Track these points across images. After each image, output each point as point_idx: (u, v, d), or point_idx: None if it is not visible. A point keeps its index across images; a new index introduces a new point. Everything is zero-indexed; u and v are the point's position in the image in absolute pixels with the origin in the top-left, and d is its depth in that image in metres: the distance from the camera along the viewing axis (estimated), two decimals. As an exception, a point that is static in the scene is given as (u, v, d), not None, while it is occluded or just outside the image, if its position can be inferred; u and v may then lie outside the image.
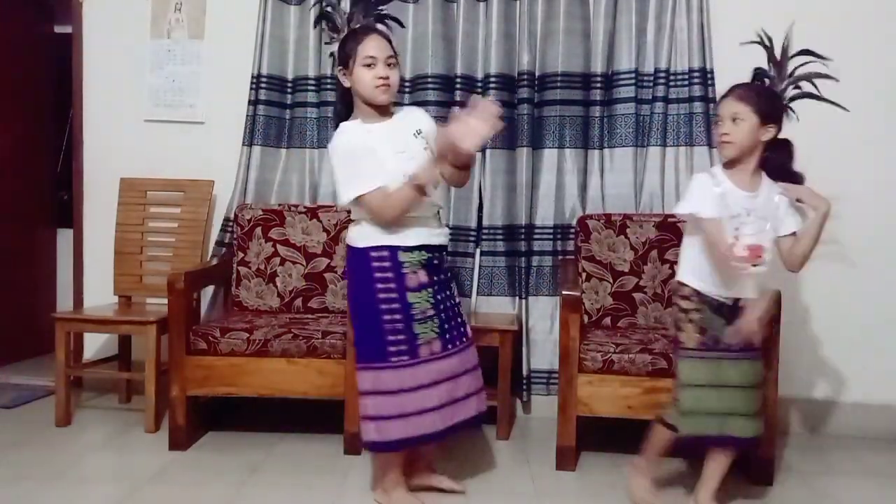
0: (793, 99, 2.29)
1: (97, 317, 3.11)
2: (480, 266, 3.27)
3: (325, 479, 2.51)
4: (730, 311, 2.19)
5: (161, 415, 2.94)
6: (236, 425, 3.02)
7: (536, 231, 3.24)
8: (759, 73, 2.31)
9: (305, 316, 3.07)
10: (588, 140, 3.24)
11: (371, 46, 2.14)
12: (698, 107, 3.12)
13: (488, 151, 3.20)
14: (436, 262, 2.24)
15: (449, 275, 2.32)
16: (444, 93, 3.23)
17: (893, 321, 3.14)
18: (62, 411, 3.00)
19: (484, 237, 3.26)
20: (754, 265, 2.08)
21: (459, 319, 2.29)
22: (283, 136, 3.36)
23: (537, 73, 3.23)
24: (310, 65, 3.31)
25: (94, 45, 3.49)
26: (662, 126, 3.15)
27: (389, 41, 2.20)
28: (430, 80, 3.22)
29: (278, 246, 3.20)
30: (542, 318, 3.23)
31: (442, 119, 3.20)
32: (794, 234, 2.20)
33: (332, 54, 2.40)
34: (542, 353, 3.21)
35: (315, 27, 2.58)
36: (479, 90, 3.25)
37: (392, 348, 2.15)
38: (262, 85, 3.30)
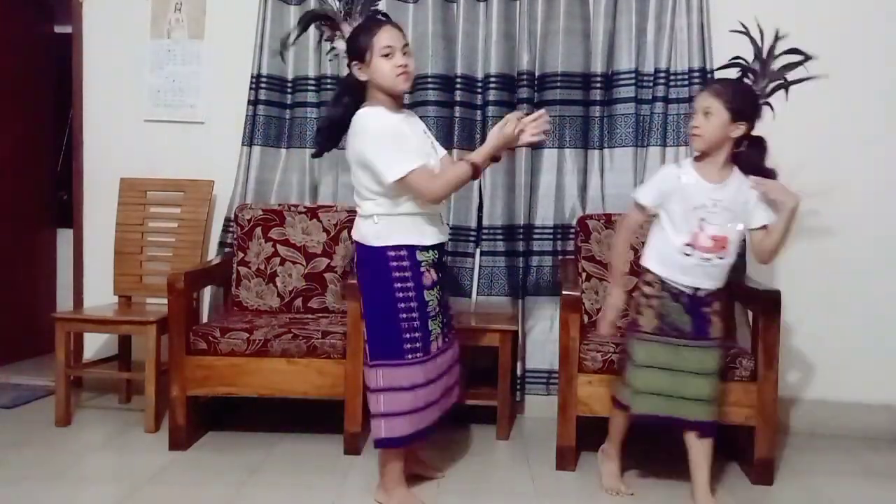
0: (772, 92, 2.35)
1: (97, 317, 3.11)
2: (480, 266, 3.27)
3: (325, 479, 2.51)
4: (689, 300, 2.26)
5: (161, 415, 2.94)
6: (236, 425, 3.02)
7: (536, 231, 3.24)
8: (742, 69, 2.37)
9: (305, 316, 3.07)
10: (588, 140, 3.24)
11: (386, 37, 2.16)
12: (698, 107, 3.12)
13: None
14: (442, 259, 2.30)
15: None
16: (444, 93, 3.23)
17: (893, 321, 3.14)
18: (62, 411, 3.00)
19: (484, 237, 3.26)
20: (720, 257, 2.21)
21: (451, 312, 2.39)
22: (283, 136, 3.36)
23: (537, 73, 3.23)
24: (310, 65, 3.30)
25: (94, 45, 3.49)
26: (662, 126, 3.15)
27: (401, 30, 2.23)
28: (429, 80, 3.22)
29: (278, 246, 3.20)
30: (542, 318, 3.23)
31: (443, 119, 3.24)
32: (765, 227, 2.25)
33: (333, 51, 2.39)
34: (542, 353, 3.20)
35: (305, 27, 2.56)
36: (479, 90, 3.26)
37: (408, 346, 2.19)
38: (262, 85, 3.30)
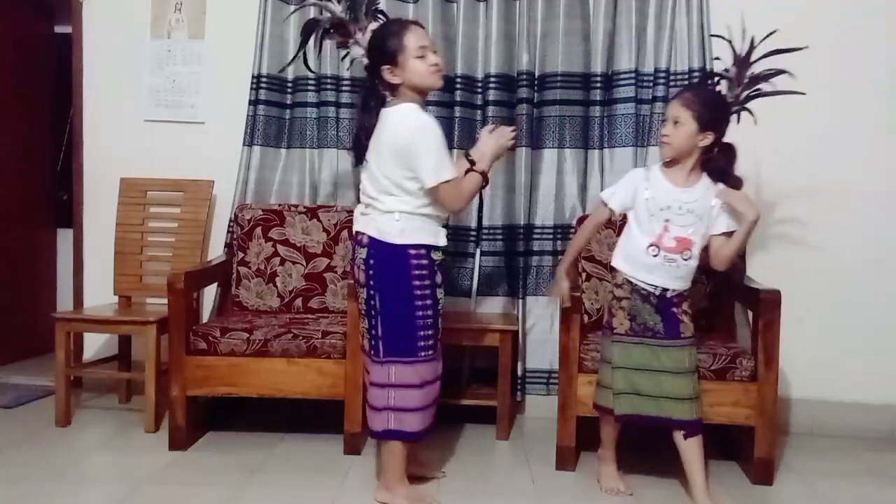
0: (747, 99, 2.46)
1: (97, 317, 3.11)
2: (480, 266, 3.27)
3: (325, 479, 2.51)
4: (657, 300, 2.32)
5: (161, 415, 2.94)
6: (236, 425, 3.02)
7: (536, 231, 3.24)
8: (719, 75, 2.49)
9: (305, 316, 3.07)
10: (588, 140, 3.24)
11: (417, 37, 2.19)
12: (698, 107, 3.12)
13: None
14: (444, 259, 2.33)
15: None
16: (444, 93, 3.22)
17: (893, 321, 3.14)
18: (62, 411, 3.00)
19: (484, 237, 3.26)
20: (684, 258, 2.29)
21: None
22: (283, 136, 3.36)
23: (537, 73, 3.23)
24: (310, 65, 3.30)
25: (94, 45, 3.49)
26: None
27: (423, 28, 2.27)
28: (430, 79, 3.22)
29: (278, 246, 3.20)
30: (542, 318, 3.23)
31: (443, 119, 3.23)
32: (724, 234, 2.33)
33: (348, 56, 2.38)
34: (542, 353, 3.20)
35: (307, 39, 2.56)
36: (479, 90, 3.26)
37: (422, 343, 2.22)
38: (262, 85, 3.30)
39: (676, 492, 2.42)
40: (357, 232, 2.28)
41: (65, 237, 4.06)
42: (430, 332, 2.24)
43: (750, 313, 2.82)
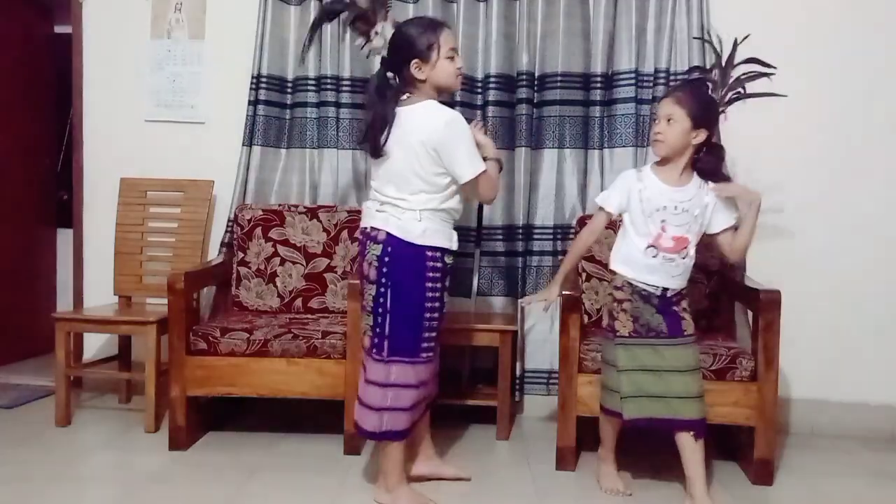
0: (730, 101, 2.50)
1: (97, 317, 3.11)
2: (480, 266, 3.27)
3: (325, 479, 2.51)
4: (659, 300, 2.32)
5: (161, 415, 2.94)
6: (236, 425, 3.02)
7: (536, 231, 3.25)
8: (703, 78, 2.52)
9: (305, 316, 3.07)
10: (588, 140, 3.24)
11: (450, 39, 2.22)
12: (698, 107, 3.12)
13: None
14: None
15: None
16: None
17: (893, 321, 3.14)
18: (62, 411, 3.00)
19: (484, 237, 3.26)
20: (682, 257, 2.30)
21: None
22: (283, 137, 3.36)
23: (537, 73, 3.23)
24: (310, 65, 3.30)
25: (94, 45, 3.49)
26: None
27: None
28: (430, 80, 3.22)
29: (278, 246, 3.20)
30: (542, 318, 3.22)
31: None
32: (728, 229, 2.35)
33: (367, 45, 2.37)
34: (542, 353, 3.20)
35: (319, 25, 2.54)
36: (479, 90, 3.26)
37: (424, 345, 2.23)
38: (262, 85, 3.30)
39: (676, 492, 2.42)
40: (371, 227, 2.24)
41: (65, 237, 4.06)
42: (432, 335, 2.25)
43: (750, 313, 2.82)
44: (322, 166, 3.32)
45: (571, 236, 3.17)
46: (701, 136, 2.28)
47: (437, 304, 2.24)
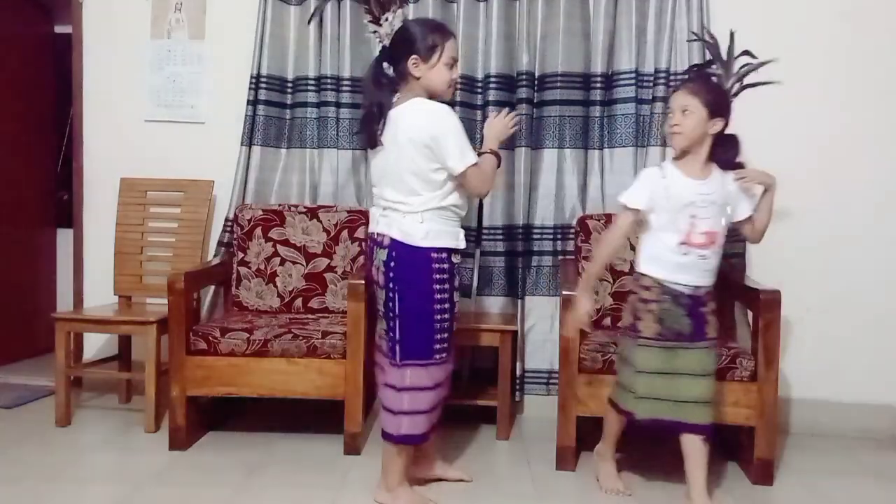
0: (738, 92, 2.43)
1: (97, 317, 3.11)
2: (480, 266, 3.27)
3: (325, 479, 2.51)
4: (689, 299, 2.27)
5: (161, 415, 2.93)
6: (236, 425, 3.02)
7: (536, 231, 3.24)
8: (709, 73, 2.47)
9: (305, 316, 3.07)
10: (588, 140, 3.24)
11: (454, 48, 2.23)
12: (698, 107, 3.12)
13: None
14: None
15: None
16: (444, 93, 3.24)
17: (893, 322, 3.14)
18: (62, 411, 3.00)
19: (484, 237, 3.26)
20: (714, 251, 2.26)
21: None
22: (283, 136, 3.36)
23: (537, 73, 3.23)
24: (310, 65, 3.30)
25: (94, 45, 3.49)
26: (662, 126, 3.15)
27: None
28: (430, 80, 3.22)
29: (278, 246, 3.20)
30: (542, 318, 3.22)
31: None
32: (750, 217, 2.36)
33: (373, 32, 2.35)
34: (542, 353, 3.20)
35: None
36: (479, 90, 3.26)
37: (437, 346, 2.22)
38: (262, 85, 3.30)
39: (676, 492, 2.41)
40: (378, 233, 2.25)
41: (65, 237, 4.05)
42: (445, 336, 2.23)
43: (750, 313, 2.82)
44: (322, 166, 3.32)
45: (571, 236, 3.17)
46: (718, 124, 2.24)
47: (446, 305, 2.22)
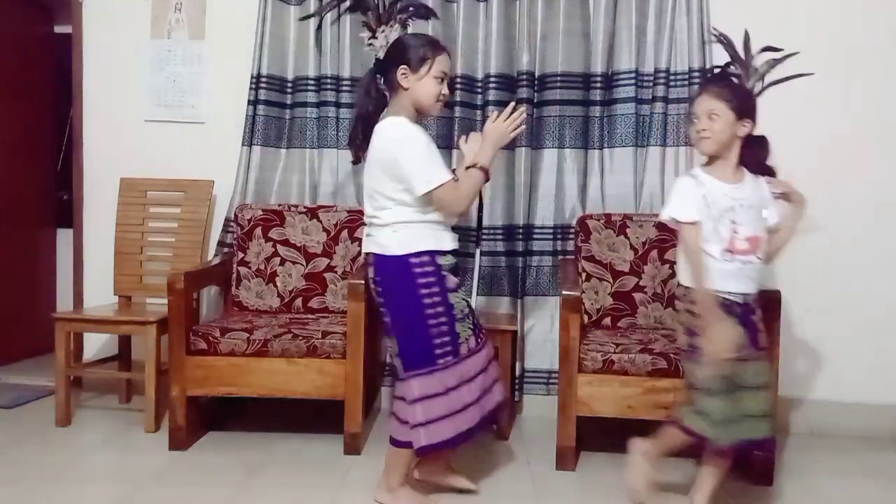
0: (763, 90, 2.40)
1: (97, 317, 3.11)
2: (480, 266, 3.27)
3: (325, 479, 2.51)
4: (741, 309, 2.15)
5: (161, 415, 2.94)
6: (236, 425, 3.02)
7: (536, 231, 3.25)
8: (730, 74, 2.39)
9: (305, 316, 3.07)
10: (588, 140, 3.24)
11: (446, 62, 2.21)
12: (698, 107, 3.12)
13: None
14: (457, 264, 2.30)
15: None
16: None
17: (893, 321, 3.14)
18: (62, 411, 3.00)
19: (484, 237, 3.25)
20: (757, 257, 2.15)
21: (476, 314, 2.36)
22: (283, 136, 3.36)
23: (537, 73, 3.23)
24: (310, 65, 3.31)
25: (94, 45, 3.49)
26: (662, 126, 3.16)
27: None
28: (430, 80, 3.22)
29: (278, 246, 3.20)
30: (542, 318, 3.23)
31: (443, 119, 3.23)
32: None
33: (370, 46, 2.37)
34: (542, 352, 3.21)
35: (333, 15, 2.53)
36: (479, 90, 3.26)
37: (438, 351, 2.18)
38: (262, 85, 3.30)
39: (676, 492, 2.42)
40: (366, 253, 2.27)
41: (65, 237, 4.06)
42: (447, 339, 2.18)
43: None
44: (322, 166, 3.33)
45: (571, 236, 3.17)
46: (746, 126, 2.16)
47: (440, 309, 2.17)
